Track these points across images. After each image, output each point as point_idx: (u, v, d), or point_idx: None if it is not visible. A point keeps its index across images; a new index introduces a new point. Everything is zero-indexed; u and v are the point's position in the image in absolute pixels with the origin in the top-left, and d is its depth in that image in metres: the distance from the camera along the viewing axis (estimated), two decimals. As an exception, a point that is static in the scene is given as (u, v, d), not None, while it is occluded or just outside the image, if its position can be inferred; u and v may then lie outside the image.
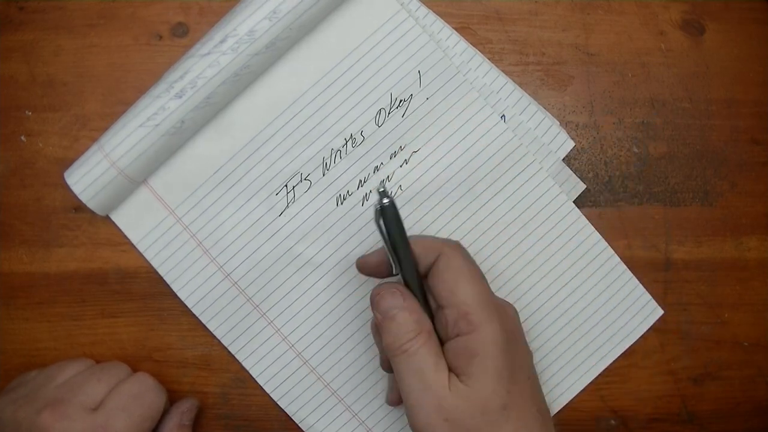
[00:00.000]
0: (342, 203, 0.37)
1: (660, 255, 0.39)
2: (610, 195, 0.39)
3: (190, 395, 0.38)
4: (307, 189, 0.37)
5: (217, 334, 0.37)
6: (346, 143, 0.37)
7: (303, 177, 0.37)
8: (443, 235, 0.37)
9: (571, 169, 0.38)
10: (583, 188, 0.38)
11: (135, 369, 0.37)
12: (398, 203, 0.37)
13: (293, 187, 0.37)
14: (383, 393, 0.38)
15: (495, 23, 0.38)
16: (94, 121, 0.37)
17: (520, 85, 0.38)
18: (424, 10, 0.37)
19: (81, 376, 0.34)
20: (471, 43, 0.38)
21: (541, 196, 0.37)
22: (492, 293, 0.32)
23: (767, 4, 0.39)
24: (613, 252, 0.38)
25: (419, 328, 0.30)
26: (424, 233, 0.37)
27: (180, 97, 0.33)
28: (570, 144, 0.38)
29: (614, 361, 0.39)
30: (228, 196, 0.37)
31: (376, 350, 0.37)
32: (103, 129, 0.35)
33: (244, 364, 0.37)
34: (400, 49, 0.36)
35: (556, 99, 0.38)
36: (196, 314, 0.37)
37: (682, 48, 0.39)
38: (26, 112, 0.38)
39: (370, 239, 0.37)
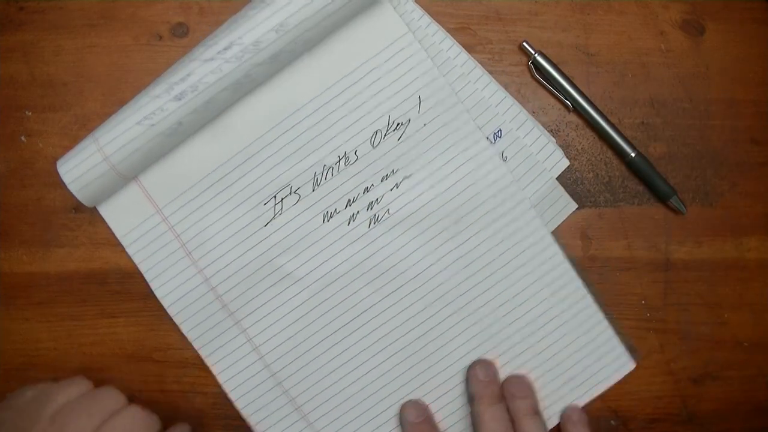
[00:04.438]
0: (328, 220, 0.37)
1: (660, 255, 0.39)
2: (610, 195, 0.39)
3: (190, 395, 0.38)
4: (296, 202, 0.37)
5: (190, 336, 0.37)
6: (339, 161, 0.37)
7: (293, 190, 0.37)
8: (426, 262, 0.37)
9: (571, 169, 0.38)
10: (575, 208, 0.38)
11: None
12: (385, 226, 0.37)
13: (282, 198, 0.37)
14: (347, 413, 0.37)
15: (495, 23, 0.38)
16: (94, 121, 0.37)
17: (520, 85, 0.38)
18: (426, 19, 0.37)
19: (71, 409, 0.33)
20: (471, 44, 0.38)
21: (527, 236, 0.37)
22: None
23: (767, 4, 0.39)
24: (593, 301, 0.37)
25: None
26: (409, 258, 0.37)
27: (179, 99, 0.33)
28: (565, 163, 0.38)
29: (614, 361, 0.39)
30: (216, 200, 0.36)
31: (345, 370, 0.37)
32: (103, 129, 0.35)
33: (212, 369, 0.37)
34: (403, 71, 0.36)
35: (555, 100, 0.38)
36: (171, 315, 0.37)
37: (682, 48, 0.39)
38: (26, 112, 0.38)
39: (353, 259, 0.37)
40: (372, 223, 0.37)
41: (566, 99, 0.38)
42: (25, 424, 0.32)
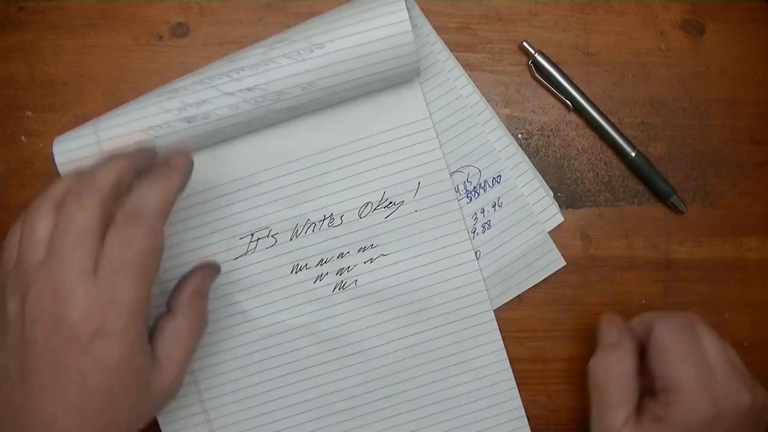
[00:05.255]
0: (297, 273, 0.37)
1: (660, 255, 0.39)
2: (610, 195, 0.39)
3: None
4: (270, 246, 0.37)
5: None
6: (323, 220, 0.37)
7: (271, 233, 0.36)
8: (377, 340, 0.37)
9: (571, 169, 0.38)
10: (563, 264, 0.38)
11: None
12: (348, 295, 0.37)
13: (258, 239, 0.36)
14: None
15: (495, 23, 0.38)
16: (94, 121, 0.37)
17: (520, 85, 0.38)
18: (446, 54, 0.37)
19: (58, 244, 0.27)
20: (471, 44, 0.38)
21: (482, 345, 0.37)
22: (727, 376, 0.31)
23: (767, 4, 0.39)
24: (526, 422, 0.37)
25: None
26: (362, 332, 0.37)
27: (189, 122, 0.33)
28: (559, 219, 0.38)
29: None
30: (195, 221, 0.36)
31: (272, 418, 0.37)
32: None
33: None
34: (411, 154, 0.36)
35: (555, 99, 0.38)
36: None
37: (682, 48, 0.39)
38: (26, 112, 0.38)
39: (309, 317, 0.37)
40: (337, 288, 0.37)
41: (566, 99, 0.38)
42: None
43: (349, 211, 0.37)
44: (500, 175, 0.37)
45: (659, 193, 0.38)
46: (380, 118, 0.36)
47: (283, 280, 0.37)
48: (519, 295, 0.38)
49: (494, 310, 0.38)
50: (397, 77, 0.34)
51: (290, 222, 0.37)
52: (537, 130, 0.39)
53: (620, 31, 0.39)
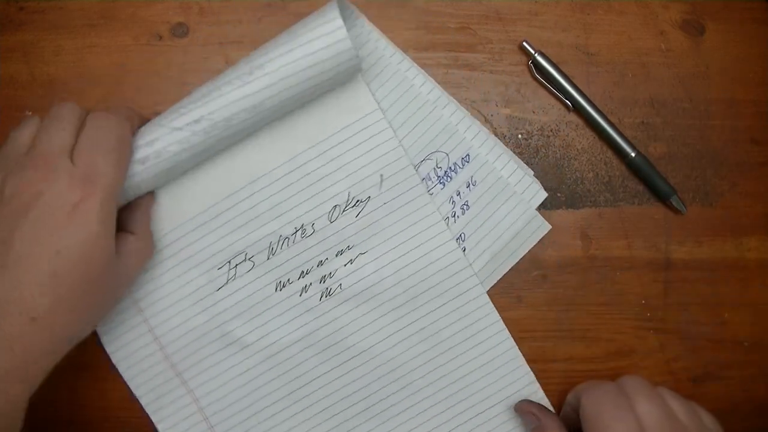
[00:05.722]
0: (281, 290, 0.37)
1: (660, 255, 0.39)
2: (610, 195, 0.39)
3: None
4: (250, 269, 0.36)
5: (137, 393, 0.36)
6: (295, 232, 0.36)
7: (247, 257, 0.36)
8: (375, 338, 0.37)
9: (571, 169, 0.38)
10: (549, 229, 0.38)
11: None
12: (336, 301, 0.37)
13: (236, 265, 0.36)
14: None
15: (495, 23, 0.38)
16: (94, 121, 0.37)
17: (520, 85, 0.38)
18: (391, 49, 0.37)
19: (39, 137, 0.30)
20: (471, 44, 0.38)
21: (478, 320, 0.37)
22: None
23: (767, 4, 0.39)
24: (539, 387, 0.38)
25: None
26: (358, 333, 0.37)
27: (142, 163, 0.32)
28: (543, 195, 0.38)
29: (614, 361, 0.39)
30: (170, 262, 0.36)
31: None
32: (103, 129, 0.35)
33: (157, 426, 0.37)
34: (367, 149, 0.36)
35: (555, 99, 0.38)
36: (120, 371, 0.36)
37: (682, 48, 0.39)
38: (26, 112, 0.38)
39: (303, 329, 0.37)
40: (324, 296, 0.37)
41: (566, 99, 0.38)
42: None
43: (319, 218, 0.36)
44: (468, 155, 0.37)
45: (659, 193, 0.38)
46: (331, 121, 0.36)
47: (270, 300, 0.37)
48: (519, 295, 0.38)
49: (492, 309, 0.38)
50: (340, 80, 0.34)
51: (264, 242, 0.36)
52: (537, 130, 0.39)
53: (620, 31, 0.39)
